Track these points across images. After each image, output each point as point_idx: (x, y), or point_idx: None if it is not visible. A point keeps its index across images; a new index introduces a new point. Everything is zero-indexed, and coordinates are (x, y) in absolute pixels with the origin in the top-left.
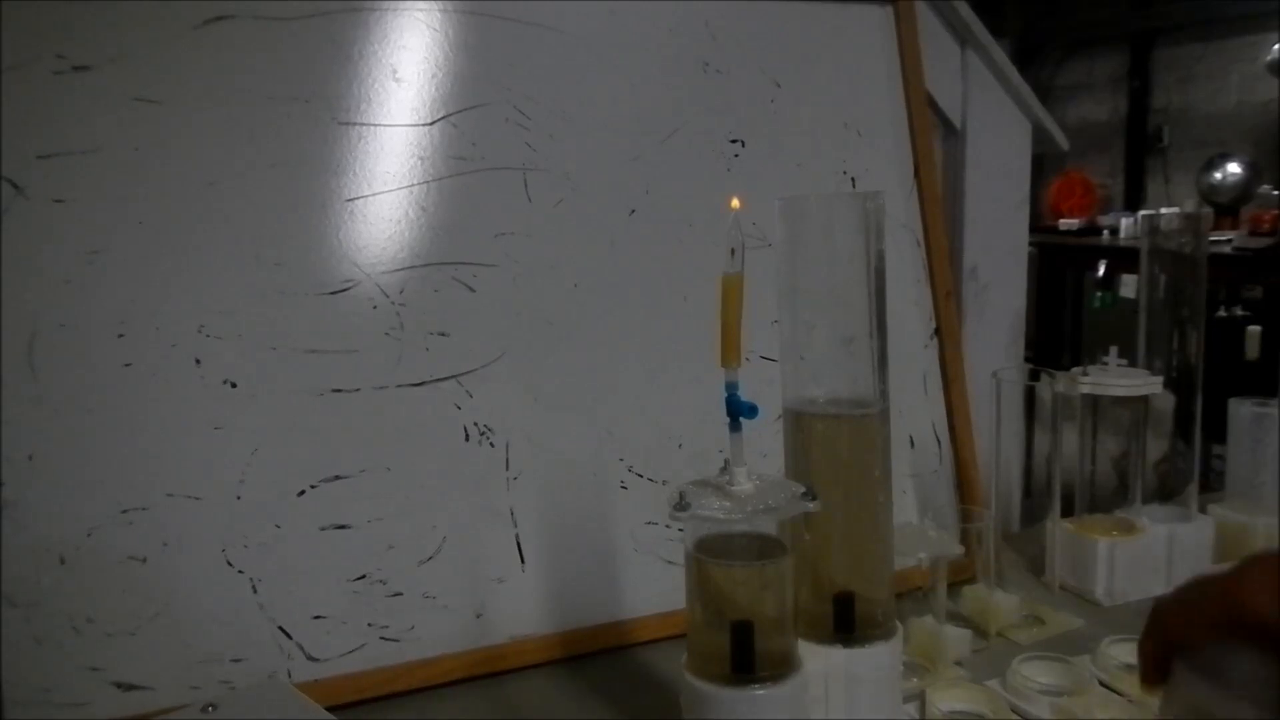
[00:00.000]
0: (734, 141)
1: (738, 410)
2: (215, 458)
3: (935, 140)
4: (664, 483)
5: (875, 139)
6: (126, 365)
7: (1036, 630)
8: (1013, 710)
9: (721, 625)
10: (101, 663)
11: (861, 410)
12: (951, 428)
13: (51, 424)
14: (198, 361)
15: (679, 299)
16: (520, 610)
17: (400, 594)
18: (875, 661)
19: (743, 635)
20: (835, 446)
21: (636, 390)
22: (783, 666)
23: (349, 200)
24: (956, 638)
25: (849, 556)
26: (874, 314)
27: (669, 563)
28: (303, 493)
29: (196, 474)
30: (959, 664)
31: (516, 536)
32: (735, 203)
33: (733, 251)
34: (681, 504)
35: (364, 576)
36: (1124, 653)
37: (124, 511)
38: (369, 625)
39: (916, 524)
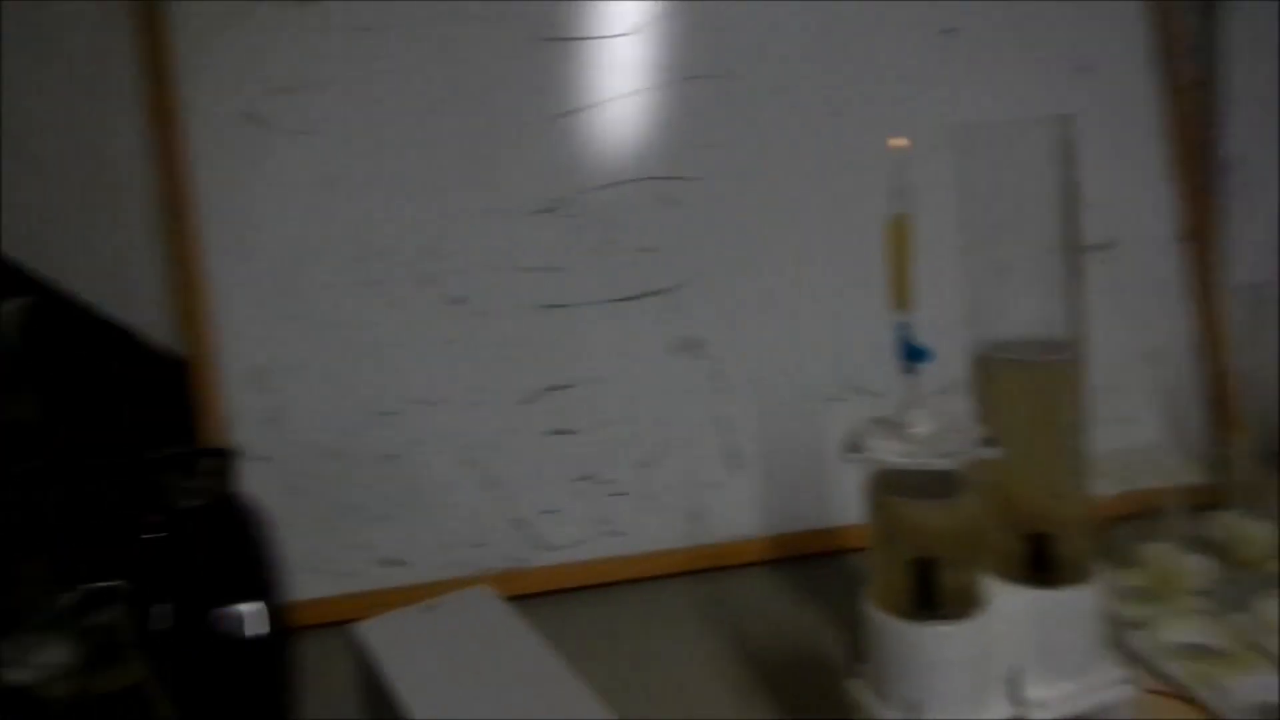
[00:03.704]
0: (946, 32)
1: (910, 355)
2: (450, 368)
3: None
4: (876, 396)
5: (1113, 13)
6: (367, 285)
7: None
8: (1256, 646)
9: (901, 560)
10: (368, 542)
11: (1053, 356)
12: (1204, 341)
13: (313, 339)
14: (428, 281)
15: None
16: (733, 513)
17: (623, 494)
18: (1069, 604)
19: (924, 572)
20: (1023, 393)
21: (849, 303)
22: (966, 604)
23: (558, 116)
24: (1197, 566)
25: (1039, 501)
26: (1070, 252)
27: None
28: (529, 400)
29: (435, 383)
30: (1201, 594)
31: (730, 445)
32: (899, 142)
33: (899, 193)
34: (854, 446)
35: (588, 477)
36: None
37: (379, 415)
38: (593, 521)
39: (1153, 448)
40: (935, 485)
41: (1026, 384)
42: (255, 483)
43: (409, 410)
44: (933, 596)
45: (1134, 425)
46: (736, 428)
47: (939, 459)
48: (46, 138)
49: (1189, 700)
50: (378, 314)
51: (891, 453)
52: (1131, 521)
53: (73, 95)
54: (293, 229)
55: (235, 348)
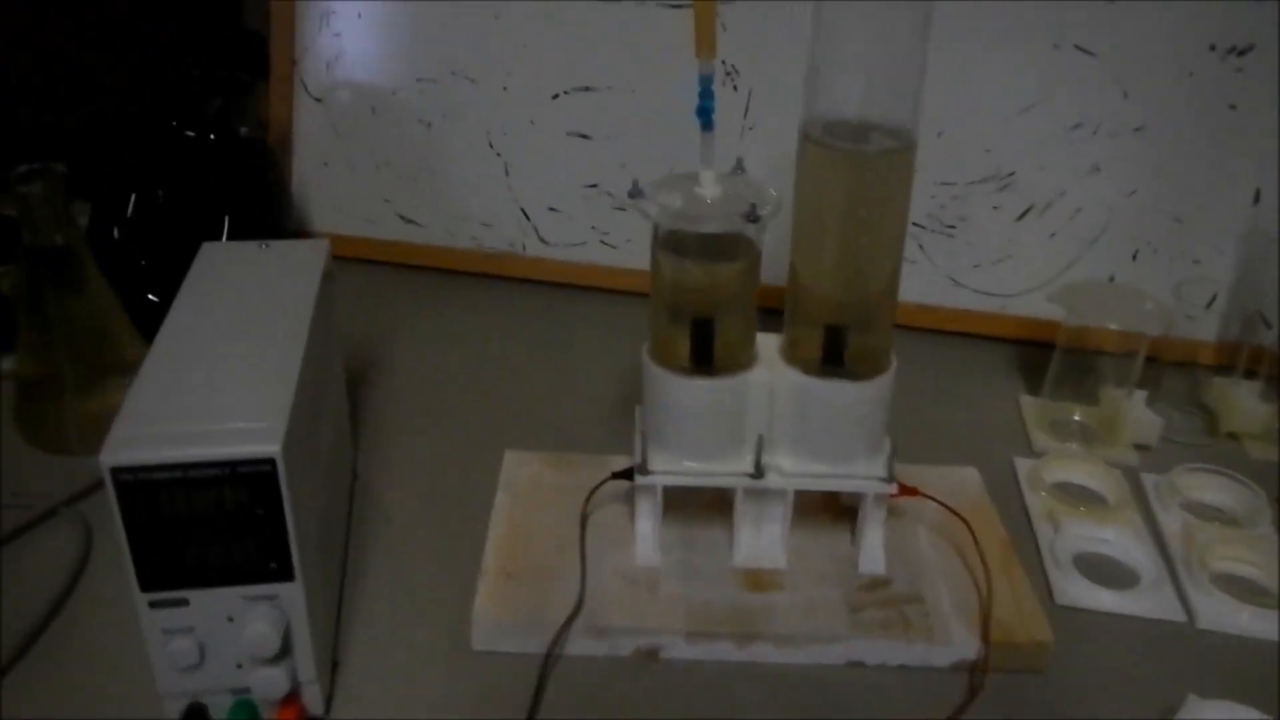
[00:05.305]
0: None
1: (701, 110)
2: (491, 44)
3: None
4: None
5: None
6: None
7: None
8: (1140, 510)
9: (670, 313)
10: (391, 196)
11: (874, 146)
12: None
13: None
14: None
15: None
16: None
17: (623, 210)
18: (837, 395)
19: (698, 329)
20: (838, 179)
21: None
22: (734, 366)
23: None
24: (1144, 420)
25: (840, 292)
26: (920, 33)
27: None
28: (557, 96)
29: (475, 57)
30: (1142, 448)
31: None
32: None
33: None
34: (635, 191)
35: (595, 185)
36: None
37: (418, 80)
38: (593, 228)
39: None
40: (715, 247)
41: (842, 170)
42: (307, 118)
43: (445, 81)
44: (704, 353)
45: (1201, 266)
46: (752, 169)
47: (709, 222)
48: None
49: (955, 514)
50: None
51: (667, 209)
52: (1138, 362)
53: None
54: None
55: None
